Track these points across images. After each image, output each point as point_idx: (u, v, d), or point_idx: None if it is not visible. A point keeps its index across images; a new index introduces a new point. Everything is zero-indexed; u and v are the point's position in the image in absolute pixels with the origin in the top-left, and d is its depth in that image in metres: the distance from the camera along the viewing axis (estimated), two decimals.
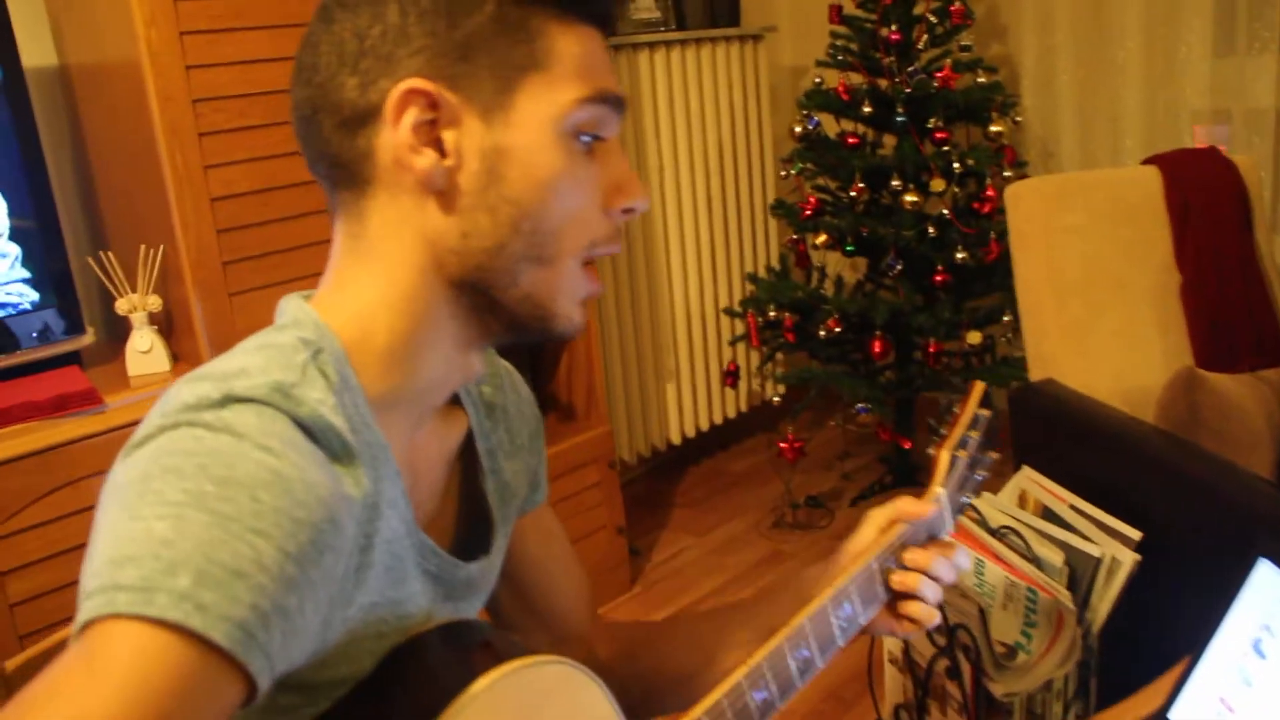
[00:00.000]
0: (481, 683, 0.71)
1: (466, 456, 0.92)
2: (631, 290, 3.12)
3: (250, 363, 0.69)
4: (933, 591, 0.98)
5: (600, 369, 2.65)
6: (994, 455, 1.19)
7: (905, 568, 0.99)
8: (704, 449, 3.58)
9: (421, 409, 0.82)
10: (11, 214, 1.90)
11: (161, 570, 0.57)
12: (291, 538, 0.61)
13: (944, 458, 1.08)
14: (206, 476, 0.61)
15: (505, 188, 0.75)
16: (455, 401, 0.91)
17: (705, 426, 3.39)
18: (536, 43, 0.75)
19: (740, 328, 3.22)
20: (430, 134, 0.74)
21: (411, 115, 0.73)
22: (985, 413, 1.16)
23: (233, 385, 0.67)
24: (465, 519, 0.91)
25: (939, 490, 1.05)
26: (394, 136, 0.74)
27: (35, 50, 2.13)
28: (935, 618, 0.98)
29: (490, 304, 0.78)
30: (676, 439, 3.32)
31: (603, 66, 0.79)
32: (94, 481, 1.84)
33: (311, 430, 0.69)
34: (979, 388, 1.18)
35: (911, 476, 3.15)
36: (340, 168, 0.77)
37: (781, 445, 2.91)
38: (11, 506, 1.78)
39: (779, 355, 3.14)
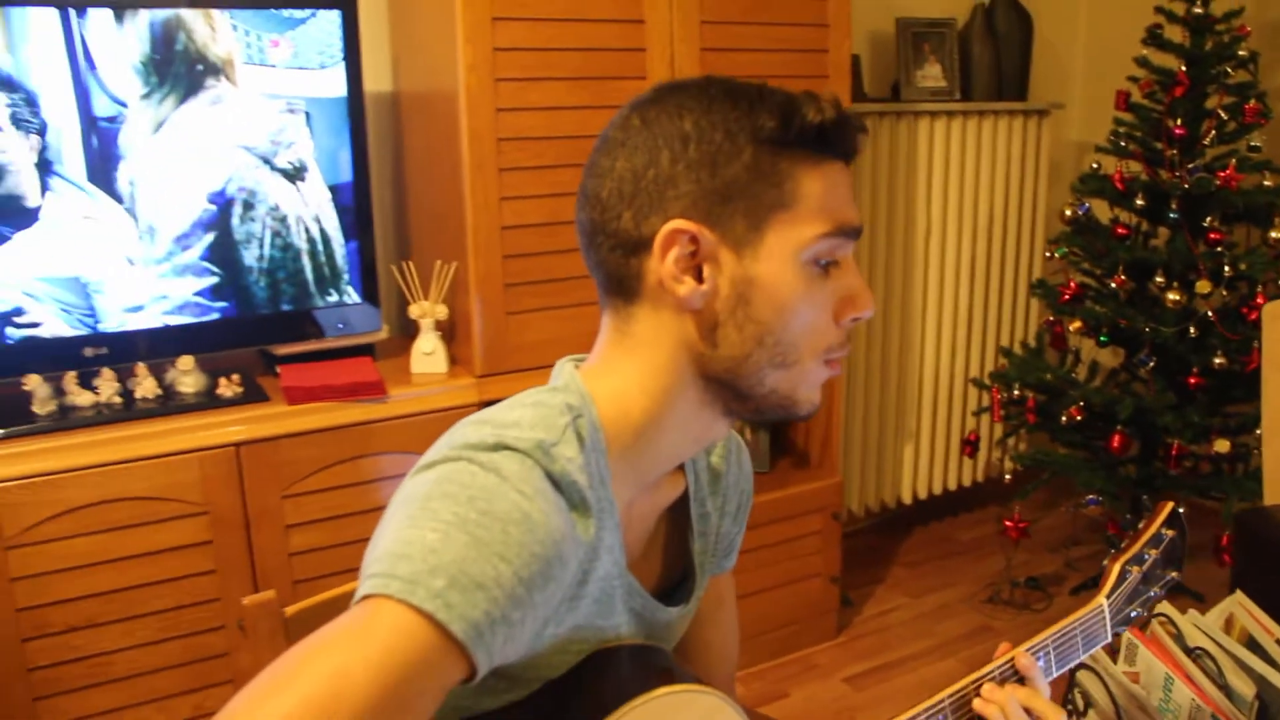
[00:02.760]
0: (653, 694, 0.88)
1: (676, 515, 1.07)
2: (884, 347, 3.20)
3: (524, 417, 0.87)
4: None
5: (839, 422, 2.75)
6: (1174, 575, 1.23)
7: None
8: (934, 513, 3.61)
9: (654, 473, 0.97)
10: (343, 225, 2.21)
11: (426, 571, 0.74)
12: (526, 566, 0.78)
13: (1115, 570, 1.16)
14: (473, 506, 0.78)
15: (752, 310, 0.89)
16: (679, 467, 1.05)
17: (938, 491, 3.42)
18: (785, 186, 0.88)
19: (986, 399, 3.24)
20: (690, 264, 0.89)
21: (675, 250, 0.88)
22: (1170, 533, 1.22)
23: (505, 435, 0.84)
24: (668, 570, 1.07)
25: (1102, 601, 1.13)
26: (660, 265, 0.89)
27: (376, 75, 2.45)
28: None
29: (738, 395, 0.93)
30: (907, 498, 3.37)
31: (842, 199, 0.91)
32: (369, 460, 2.12)
33: (559, 483, 0.85)
34: (1167, 508, 1.23)
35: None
36: (613, 280, 0.93)
37: (1006, 523, 2.92)
38: (302, 471, 2.07)
39: (1022, 432, 3.14)
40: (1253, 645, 1.74)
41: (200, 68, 2.02)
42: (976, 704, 1.05)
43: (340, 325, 2.26)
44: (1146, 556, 1.20)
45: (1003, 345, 3.34)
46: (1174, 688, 1.69)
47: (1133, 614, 1.20)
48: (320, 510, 2.10)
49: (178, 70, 2.00)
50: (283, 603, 2.10)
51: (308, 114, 2.14)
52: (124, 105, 1.97)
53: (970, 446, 3.22)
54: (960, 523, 3.58)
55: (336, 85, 2.14)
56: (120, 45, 1.95)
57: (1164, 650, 1.76)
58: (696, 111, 0.89)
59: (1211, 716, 1.62)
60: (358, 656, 0.71)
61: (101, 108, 1.95)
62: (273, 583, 2.07)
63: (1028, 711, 1.05)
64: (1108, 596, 1.15)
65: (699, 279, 0.89)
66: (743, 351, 0.90)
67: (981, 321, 3.36)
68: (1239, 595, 1.81)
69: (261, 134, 2.10)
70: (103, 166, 1.97)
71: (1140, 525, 1.23)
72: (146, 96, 1.99)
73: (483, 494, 0.79)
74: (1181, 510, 1.27)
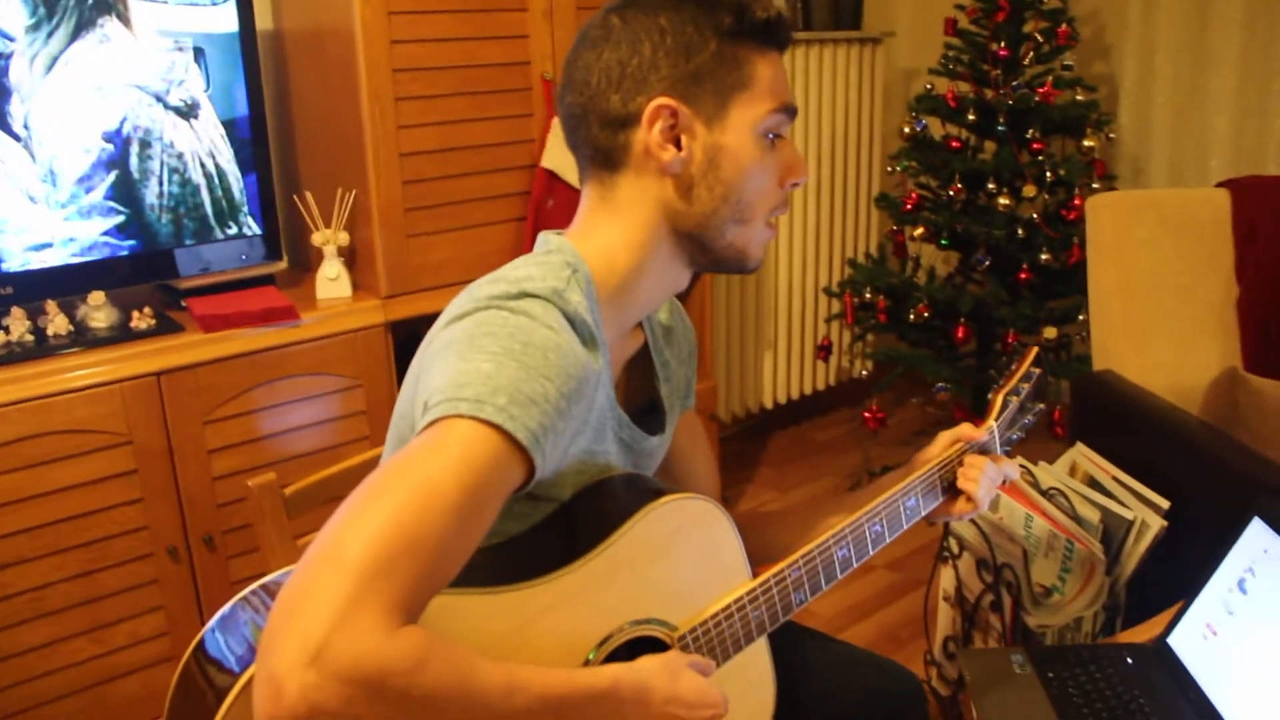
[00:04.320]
0: (653, 505, 1.06)
1: (637, 365, 1.25)
2: None
3: (534, 273, 1.03)
4: (984, 490, 1.30)
5: (709, 330, 2.96)
6: (1041, 405, 1.47)
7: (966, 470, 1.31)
8: (793, 417, 3.88)
9: (630, 321, 1.16)
10: (238, 160, 2.27)
11: (488, 392, 0.89)
12: (566, 385, 0.95)
13: (998, 400, 1.39)
14: (514, 340, 0.94)
15: (720, 173, 1.09)
16: (637, 324, 1.23)
17: (796, 395, 3.68)
18: (743, 70, 1.08)
19: (836, 307, 3.51)
20: (671, 135, 1.07)
21: (660, 123, 1.06)
22: (1036, 370, 1.46)
23: (524, 286, 1.00)
24: (635, 405, 1.25)
25: (992, 424, 1.36)
26: (646, 136, 1.06)
27: (258, 15, 2.49)
28: (982, 506, 1.29)
29: (703, 249, 1.13)
30: (769, 404, 3.62)
31: (784, 83, 1.12)
32: (284, 383, 2.21)
33: (573, 321, 1.01)
34: (1033, 351, 1.47)
35: None
36: (601, 153, 1.10)
37: (865, 415, 3.20)
38: (220, 397, 2.15)
39: (870, 336, 3.42)
40: (1093, 484, 2.03)
41: (90, 1, 2.04)
42: (961, 470, 1.33)
43: (243, 257, 2.32)
44: (1021, 389, 1.43)
45: (848, 257, 3.61)
46: (1033, 524, 1.96)
47: (1013, 437, 1.43)
48: (240, 434, 2.18)
49: (66, 3, 2.02)
50: (206, 528, 2.19)
51: (198, 49, 2.19)
52: (11, 39, 1.98)
53: (824, 351, 3.48)
54: (816, 425, 3.87)
55: (228, 21, 2.19)
56: None
57: (1022, 495, 2.03)
58: (668, 10, 1.07)
59: (1066, 541, 1.90)
60: (440, 466, 0.86)
61: None
62: (198, 508, 2.15)
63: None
64: (996, 419, 1.38)
65: (678, 148, 1.07)
66: (711, 208, 1.09)
67: (829, 236, 3.62)
68: (1080, 446, 2.10)
69: (153, 72, 2.14)
70: None
71: (1013, 366, 1.46)
72: (34, 29, 2.00)
73: (520, 331, 0.96)
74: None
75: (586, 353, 1.01)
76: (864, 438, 3.48)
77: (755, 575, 1.16)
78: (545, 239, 1.13)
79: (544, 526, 1.08)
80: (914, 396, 3.77)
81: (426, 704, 0.81)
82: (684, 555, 1.09)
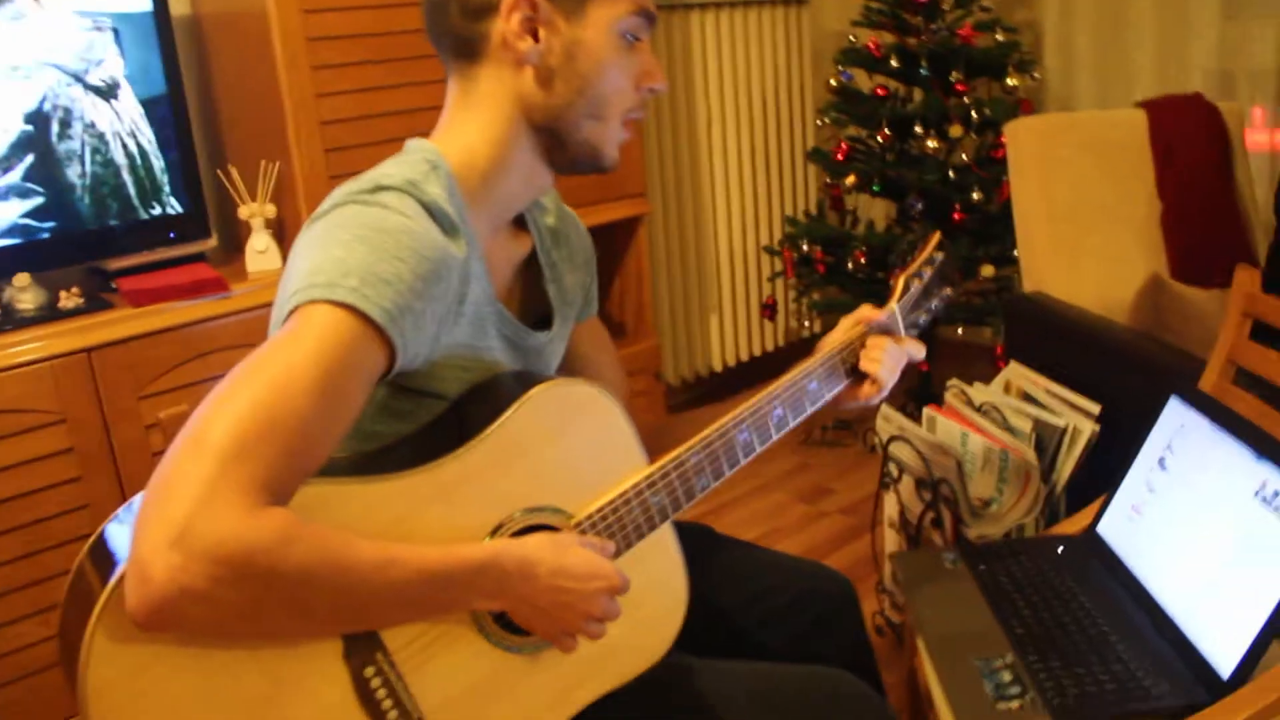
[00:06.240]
0: (534, 389, 1.06)
1: (530, 270, 1.27)
2: (680, 229, 3.44)
3: (390, 170, 1.05)
4: (886, 369, 1.31)
5: (649, 288, 2.97)
6: (949, 290, 1.48)
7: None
8: (745, 379, 3.88)
9: (500, 217, 1.18)
10: (158, 139, 2.26)
11: (340, 275, 0.91)
12: (420, 266, 0.96)
13: (900, 283, 1.41)
14: (367, 228, 0.96)
15: (577, 65, 1.10)
16: (523, 227, 1.25)
17: (745, 357, 3.70)
18: None
19: (779, 266, 3.52)
20: (530, 26, 1.08)
21: (519, 13, 1.07)
22: (940, 255, 1.47)
23: (380, 180, 1.02)
24: (530, 310, 1.26)
25: (894, 306, 1.38)
26: (505, 26, 1.07)
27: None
28: (886, 387, 1.31)
29: (560, 143, 1.14)
30: (719, 366, 3.63)
31: None
32: (220, 355, 2.20)
33: (431, 211, 1.03)
34: (935, 236, 1.49)
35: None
36: (461, 43, 1.11)
37: None
38: (153, 372, 2.14)
39: (815, 293, 3.44)
40: (1027, 398, 2.05)
41: None
42: (864, 352, 1.33)
43: (171, 235, 2.32)
44: (924, 274, 1.44)
45: (787, 215, 3.63)
46: (969, 440, 1.98)
47: (919, 320, 1.44)
48: (177, 408, 2.17)
49: None
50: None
51: (115, 30, 2.18)
52: None
53: (769, 310, 3.51)
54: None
55: (142, 0, 2.19)
56: None
57: (957, 414, 2.05)
58: None
59: (1000, 452, 1.92)
60: (297, 349, 0.88)
61: None
62: (139, 483, 2.13)
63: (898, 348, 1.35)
64: (898, 303, 1.40)
65: (535, 40, 1.08)
66: (567, 100, 1.11)
67: (766, 196, 3.63)
68: (1014, 365, 2.12)
69: (70, 52, 2.13)
70: None
71: (916, 251, 1.48)
72: None
73: (373, 219, 0.97)
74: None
75: (447, 239, 1.03)
76: None
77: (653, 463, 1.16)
78: (408, 142, 1.14)
79: (433, 424, 1.10)
80: None
81: (298, 581, 0.83)
82: (575, 442, 1.10)
